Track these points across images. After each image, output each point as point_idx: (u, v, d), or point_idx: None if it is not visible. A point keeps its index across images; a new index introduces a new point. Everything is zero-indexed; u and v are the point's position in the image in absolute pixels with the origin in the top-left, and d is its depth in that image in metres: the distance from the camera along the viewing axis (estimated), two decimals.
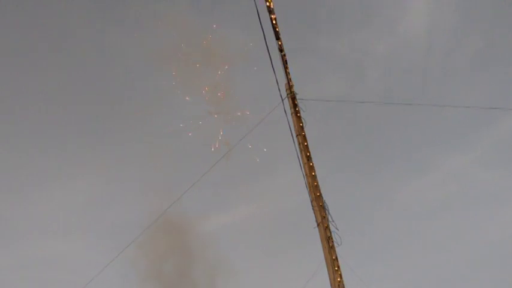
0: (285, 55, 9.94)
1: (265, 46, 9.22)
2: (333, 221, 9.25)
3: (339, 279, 8.67)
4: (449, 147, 24.21)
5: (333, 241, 8.99)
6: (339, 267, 8.77)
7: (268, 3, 8.95)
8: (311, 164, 9.75)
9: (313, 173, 9.66)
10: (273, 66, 9.46)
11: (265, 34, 9.13)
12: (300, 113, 10.19)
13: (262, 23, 8.95)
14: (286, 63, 10.12)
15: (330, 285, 8.75)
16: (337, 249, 8.99)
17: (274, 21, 9.28)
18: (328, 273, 8.78)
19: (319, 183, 9.64)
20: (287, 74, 10.18)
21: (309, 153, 9.85)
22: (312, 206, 9.45)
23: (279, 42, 9.64)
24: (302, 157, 9.86)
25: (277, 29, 9.45)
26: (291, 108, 10.24)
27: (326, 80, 24.76)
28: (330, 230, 9.11)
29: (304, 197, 9.69)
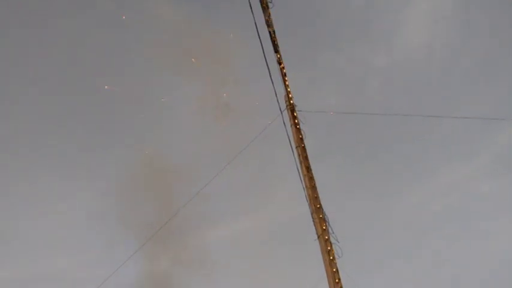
0: (283, 67, 10.02)
1: (264, 59, 9.32)
2: (333, 233, 9.22)
3: None
4: (450, 158, 24.20)
5: (333, 253, 8.94)
6: (339, 279, 8.71)
7: (266, 18, 9.05)
8: (311, 176, 9.76)
9: (313, 185, 9.66)
10: (271, 79, 9.54)
11: (264, 47, 9.23)
12: (299, 124, 10.22)
13: (261, 36, 9.06)
14: (285, 75, 10.20)
15: None
16: (338, 262, 8.94)
17: (272, 35, 9.38)
18: (329, 286, 8.73)
19: (319, 195, 9.63)
20: (286, 86, 10.25)
21: (309, 164, 9.86)
22: (313, 218, 9.43)
23: (278, 55, 9.73)
24: (302, 169, 9.87)
25: (275, 42, 9.54)
26: (290, 120, 10.28)
27: (326, 92, 24.86)
28: (330, 242, 9.07)
29: (305, 209, 9.69)
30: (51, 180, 23.33)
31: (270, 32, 9.24)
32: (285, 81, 10.17)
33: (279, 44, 9.85)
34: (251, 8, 8.48)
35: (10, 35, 23.55)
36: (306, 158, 9.93)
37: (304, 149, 10.01)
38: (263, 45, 9.11)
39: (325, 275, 8.87)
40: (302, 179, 9.83)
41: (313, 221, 9.36)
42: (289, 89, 10.25)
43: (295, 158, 10.02)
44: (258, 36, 8.89)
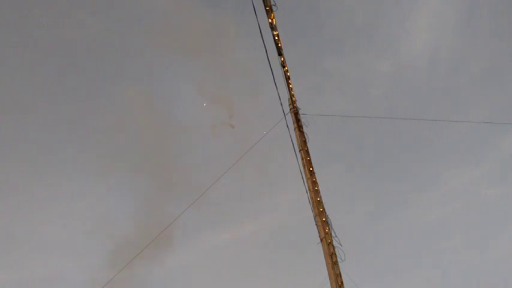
0: (287, 71, 10.00)
1: (268, 62, 9.30)
2: (336, 236, 9.18)
3: None
4: (453, 163, 24.12)
5: (336, 256, 8.91)
6: (342, 282, 8.68)
7: (270, 20, 9.05)
8: (314, 179, 9.72)
9: (316, 188, 9.63)
10: (275, 82, 9.52)
11: (268, 50, 9.21)
12: (302, 128, 10.20)
13: (265, 40, 9.05)
14: (289, 78, 10.17)
15: None
16: (341, 265, 8.91)
17: (276, 38, 9.36)
18: None
19: (322, 199, 9.60)
20: (290, 89, 10.23)
21: (312, 168, 9.83)
22: (315, 221, 9.40)
23: (281, 58, 9.71)
24: (305, 172, 9.83)
25: (279, 45, 9.53)
26: (293, 123, 10.26)
27: (330, 97, 24.89)
28: (333, 245, 9.04)
29: (308, 212, 9.66)
30: (56, 184, 23.41)
31: (273, 35, 9.23)
32: (288, 84, 10.15)
33: (283, 48, 9.84)
34: (255, 10, 8.50)
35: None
36: (309, 161, 9.90)
37: (307, 152, 9.98)
38: (267, 49, 9.11)
39: (328, 278, 8.84)
40: (305, 182, 9.80)
41: (316, 224, 9.33)
42: (292, 92, 10.24)
43: (298, 162, 10.00)
44: (261, 39, 8.89)
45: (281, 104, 10.01)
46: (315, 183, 9.71)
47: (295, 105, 10.37)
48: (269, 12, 8.88)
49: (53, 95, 24.59)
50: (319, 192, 9.64)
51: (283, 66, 9.91)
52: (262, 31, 8.93)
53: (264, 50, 9.14)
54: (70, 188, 23.50)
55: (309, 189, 9.69)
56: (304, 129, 10.25)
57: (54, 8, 23.55)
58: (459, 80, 25.11)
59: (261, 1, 8.99)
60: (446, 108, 24.04)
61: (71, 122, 24.67)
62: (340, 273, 8.77)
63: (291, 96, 10.36)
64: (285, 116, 10.25)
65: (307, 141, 10.13)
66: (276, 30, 9.19)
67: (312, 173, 9.80)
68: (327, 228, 9.21)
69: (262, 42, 9.00)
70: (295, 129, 10.21)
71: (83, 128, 24.59)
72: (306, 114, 10.36)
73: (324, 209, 9.44)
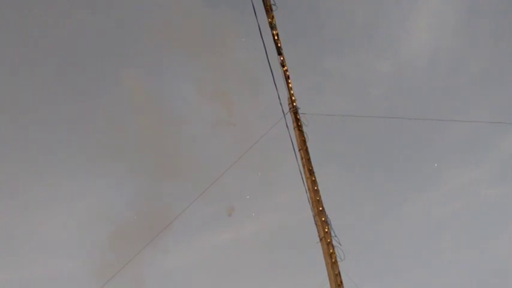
0: (287, 70, 10.02)
1: (267, 61, 9.33)
2: (335, 235, 9.19)
3: None
4: (453, 163, 24.11)
5: (335, 256, 8.92)
6: (342, 282, 8.69)
7: (270, 20, 9.07)
8: (313, 179, 9.74)
9: (315, 188, 9.64)
10: (274, 81, 9.54)
11: (268, 50, 9.24)
12: (302, 127, 10.22)
13: (264, 39, 9.08)
14: (289, 78, 10.20)
15: None
16: (340, 264, 8.91)
17: (276, 37, 9.39)
18: None
19: (322, 198, 9.61)
20: (289, 88, 10.25)
21: (311, 167, 9.85)
22: (315, 220, 9.41)
23: (281, 58, 9.74)
24: (304, 171, 9.85)
25: (279, 45, 9.56)
26: (293, 123, 10.27)
27: (330, 97, 24.90)
28: (332, 244, 9.05)
29: (307, 212, 9.67)
30: (54, 184, 23.39)
31: (273, 35, 9.26)
32: (288, 83, 10.17)
33: (283, 47, 9.86)
34: (254, 10, 8.53)
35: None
36: (308, 160, 9.92)
37: (306, 151, 10.00)
38: (266, 48, 9.13)
39: (327, 277, 8.85)
40: (305, 181, 9.82)
41: (316, 223, 9.35)
42: (292, 92, 10.25)
43: (297, 161, 10.02)
44: (261, 39, 8.92)
45: (280, 103, 10.04)
46: (314, 182, 9.72)
47: (294, 104, 10.39)
48: (269, 11, 8.90)
49: (53, 95, 24.58)
50: (318, 191, 9.66)
51: (283, 66, 9.94)
52: (262, 31, 8.96)
53: (264, 50, 9.18)
54: (70, 188, 23.47)
55: (309, 189, 9.71)
56: (304, 128, 10.27)
57: (54, 8, 23.53)
58: (459, 80, 25.14)
59: (261, 1, 9.02)
60: (446, 108, 24.05)
61: (71, 122, 24.64)
62: (339, 273, 8.78)
63: (291, 95, 10.38)
64: (284, 116, 10.28)
65: (306, 140, 10.14)
66: (275, 29, 9.21)
67: (311, 173, 9.82)
68: (327, 227, 9.22)
69: (262, 42, 9.03)
70: (294, 128, 10.23)
71: (83, 128, 24.54)
72: (305, 113, 10.39)
73: (323, 208, 9.45)
